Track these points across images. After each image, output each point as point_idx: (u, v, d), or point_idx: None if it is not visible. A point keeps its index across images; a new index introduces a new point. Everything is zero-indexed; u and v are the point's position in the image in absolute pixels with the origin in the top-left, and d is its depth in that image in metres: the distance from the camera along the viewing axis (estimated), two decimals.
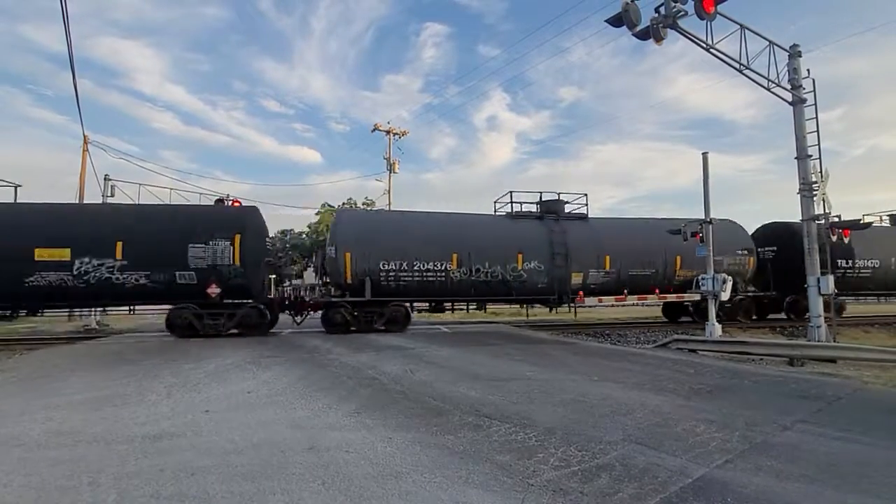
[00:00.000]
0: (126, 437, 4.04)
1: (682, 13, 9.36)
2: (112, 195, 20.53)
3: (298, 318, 14.25)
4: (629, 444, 3.78)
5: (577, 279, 14.68)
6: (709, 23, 9.71)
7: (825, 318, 10.47)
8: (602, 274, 14.91)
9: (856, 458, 3.56)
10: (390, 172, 30.09)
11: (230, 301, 12.50)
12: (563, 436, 4.00)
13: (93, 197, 21.53)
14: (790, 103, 10.95)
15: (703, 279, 11.80)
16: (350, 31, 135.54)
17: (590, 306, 15.28)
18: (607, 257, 14.87)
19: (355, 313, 13.21)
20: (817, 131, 10.81)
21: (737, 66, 10.37)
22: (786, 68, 10.97)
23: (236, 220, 12.74)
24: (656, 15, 9.36)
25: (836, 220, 11.28)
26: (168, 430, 4.24)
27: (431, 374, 6.97)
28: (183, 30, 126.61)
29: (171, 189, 19.72)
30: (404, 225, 14.27)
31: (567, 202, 15.78)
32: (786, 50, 10.98)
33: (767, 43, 10.68)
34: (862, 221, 11.91)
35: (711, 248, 11.96)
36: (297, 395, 5.67)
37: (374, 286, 13.13)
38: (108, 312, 18.05)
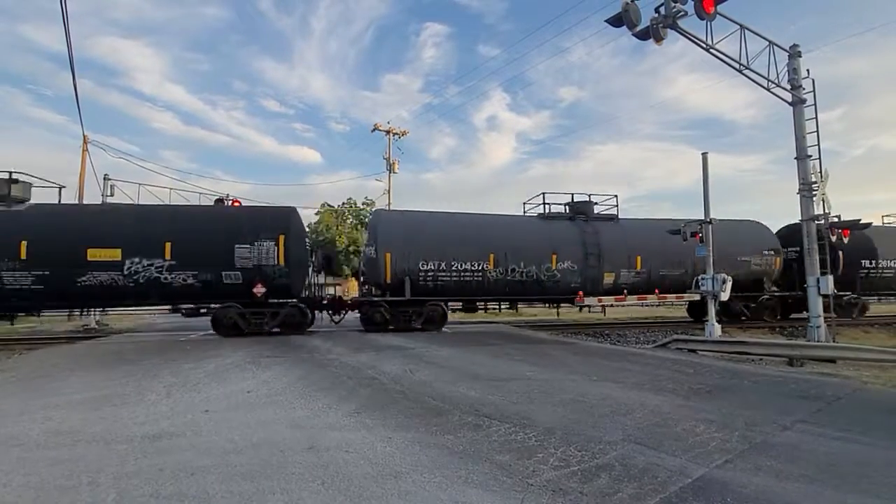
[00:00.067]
0: (125, 437, 4.04)
1: (682, 13, 9.37)
2: (112, 195, 20.54)
3: (337, 318, 14.55)
4: (629, 444, 3.78)
5: (608, 279, 14.98)
6: (709, 23, 9.72)
7: (824, 318, 10.48)
8: (633, 274, 15.19)
9: (855, 458, 3.56)
10: (390, 172, 30.08)
11: (273, 300, 12.72)
12: (562, 436, 4.00)
13: (92, 197, 21.55)
14: (790, 103, 10.96)
15: (702, 279, 11.80)
16: (350, 31, 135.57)
17: (589, 306, 15.35)
18: (638, 258, 15.17)
19: (394, 312, 13.45)
20: (817, 131, 10.83)
21: (737, 66, 10.38)
22: (786, 68, 10.98)
23: (281, 221, 12.98)
24: (656, 15, 9.37)
25: (836, 220, 11.29)
26: (167, 430, 4.24)
27: (431, 373, 6.97)
28: (183, 29, 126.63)
29: (171, 189, 19.72)
30: (442, 225, 14.48)
31: (596, 203, 16.10)
32: (786, 50, 10.99)
33: (767, 43, 10.69)
34: (861, 222, 11.91)
35: (711, 248, 11.95)
36: (296, 394, 5.66)
37: (412, 286, 13.38)
38: (108, 312, 18.06)
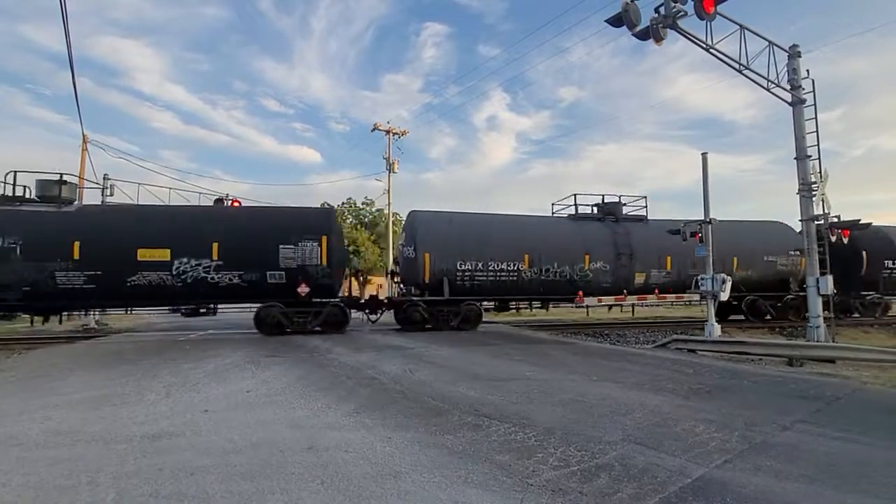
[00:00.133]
0: (125, 437, 4.03)
1: (682, 13, 9.36)
2: (111, 195, 20.51)
3: (373, 317, 14.70)
4: (628, 444, 3.78)
5: (639, 279, 15.29)
6: (708, 23, 9.72)
7: (824, 318, 10.49)
8: (663, 274, 15.48)
9: (855, 458, 3.56)
10: (390, 172, 30.00)
11: (315, 300, 12.90)
12: (562, 436, 4.00)
13: (92, 197, 21.52)
14: (790, 104, 10.96)
15: (702, 279, 11.80)
16: (350, 31, 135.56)
17: (589, 306, 15.43)
18: (668, 258, 15.39)
19: (431, 312, 13.66)
20: (817, 132, 10.82)
21: (736, 66, 10.38)
22: (785, 68, 10.97)
23: (324, 222, 13.28)
24: (656, 15, 9.36)
25: (836, 220, 11.29)
26: (167, 430, 4.23)
27: (431, 373, 6.97)
28: (183, 29, 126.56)
29: (171, 189, 19.69)
30: (478, 226, 14.69)
31: (625, 204, 16.37)
32: (785, 50, 10.99)
33: (767, 43, 10.68)
34: (861, 222, 11.92)
35: (711, 248, 11.95)
36: (296, 394, 5.66)
37: (450, 285, 13.63)
38: (108, 313, 18.03)
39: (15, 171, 12.37)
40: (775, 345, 9.91)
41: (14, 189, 12.26)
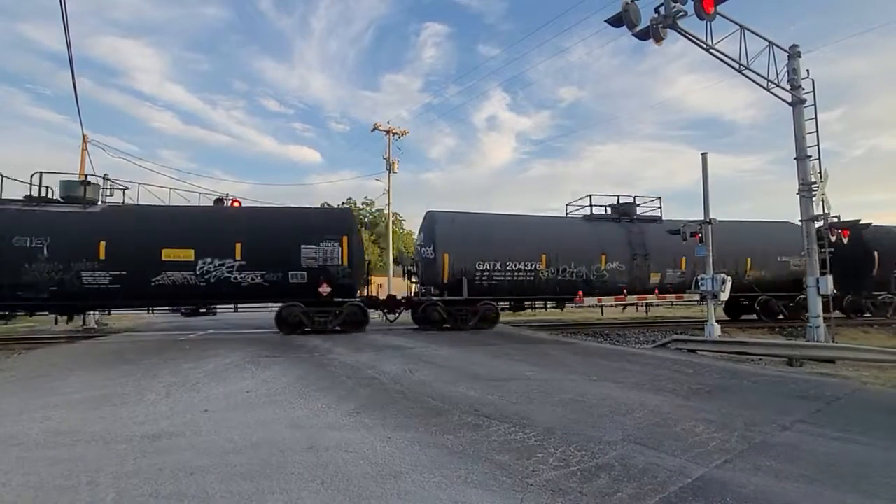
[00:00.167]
0: (125, 437, 4.03)
1: (682, 13, 9.35)
2: (111, 195, 20.48)
3: (391, 316, 14.86)
4: (628, 444, 3.78)
5: (654, 279, 15.46)
6: (708, 23, 9.71)
7: (824, 318, 10.48)
8: (678, 274, 15.63)
9: (855, 458, 3.56)
10: (390, 172, 29.97)
11: (336, 300, 13.03)
12: (562, 436, 4.00)
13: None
14: (790, 104, 10.95)
15: (702, 279, 11.80)
16: (350, 31, 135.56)
17: (589, 306, 15.44)
18: (683, 258, 15.50)
19: (450, 311, 13.80)
20: (817, 132, 10.82)
21: (736, 66, 10.38)
22: (785, 69, 10.97)
23: (344, 222, 13.50)
24: (656, 15, 9.35)
25: (836, 220, 11.29)
26: (167, 430, 4.24)
27: (431, 373, 6.97)
28: (183, 29, 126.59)
29: (171, 189, 19.68)
30: (496, 226, 14.86)
31: (639, 205, 16.52)
32: (785, 50, 10.98)
33: (767, 43, 10.68)
34: (861, 222, 11.92)
35: (711, 248, 11.95)
36: (296, 394, 5.66)
37: (468, 285, 13.75)
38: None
39: (41, 172, 12.50)
40: (775, 345, 9.91)
41: (40, 190, 12.38)
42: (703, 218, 12.13)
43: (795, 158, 10.98)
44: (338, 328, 12.98)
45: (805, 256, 16.05)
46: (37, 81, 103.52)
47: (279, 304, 12.94)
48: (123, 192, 13.70)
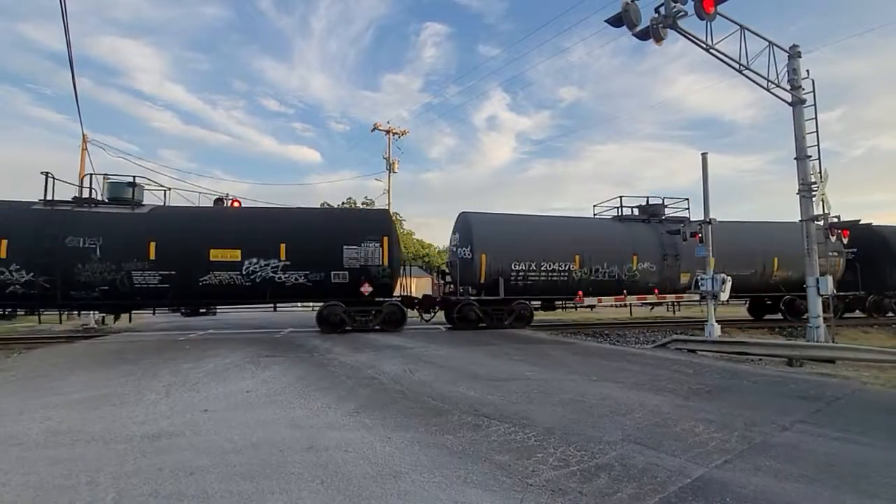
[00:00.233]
0: (124, 437, 4.04)
1: (682, 13, 9.36)
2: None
3: (427, 315, 15.09)
4: (628, 444, 3.78)
5: (685, 279, 15.68)
6: (708, 23, 9.72)
7: (824, 318, 10.49)
8: None
9: (854, 458, 3.57)
10: (390, 172, 29.96)
11: (377, 299, 13.29)
12: (561, 436, 4.00)
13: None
14: (790, 104, 10.95)
15: (702, 279, 11.80)
16: (350, 31, 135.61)
17: (589, 306, 15.46)
18: (712, 259, 15.39)
19: (485, 310, 14.06)
20: (816, 132, 10.82)
21: (736, 66, 10.38)
22: (785, 69, 10.97)
23: (384, 224, 13.80)
24: (656, 15, 9.36)
25: (835, 220, 11.30)
26: (167, 430, 4.24)
27: (430, 373, 6.97)
28: (183, 29, 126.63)
29: (170, 189, 19.66)
30: (531, 227, 15.20)
31: (667, 206, 16.81)
32: (785, 50, 10.98)
33: (767, 43, 10.68)
34: (861, 222, 11.93)
35: (710, 248, 11.95)
36: (295, 394, 5.66)
37: (504, 285, 14.03)
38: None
39: (91, 174, 12.85)
40: (775, 345, 9.91)
41: (90, 191, 12.58)
42: (703, 218, 12.12)
43: (795, 158, 10.98)
44: (377, 327, 13.22)
45: (832, 257, 16.33)
46: (37, 81, 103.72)
47: (319, 304, 13.21)
48: (165, 194, 13.84)
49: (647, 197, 16.74)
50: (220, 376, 6.83)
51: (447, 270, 15.83)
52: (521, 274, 14.22)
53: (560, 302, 15.87)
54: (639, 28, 9.45)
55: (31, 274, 11.19)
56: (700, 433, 4.08)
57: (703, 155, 12.09)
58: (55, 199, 12.05)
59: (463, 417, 4.59)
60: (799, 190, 11.01)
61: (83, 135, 21.55)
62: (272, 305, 13.97)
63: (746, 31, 10.29)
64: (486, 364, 7.88)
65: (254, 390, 5.89)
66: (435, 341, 11.00)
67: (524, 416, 4.59)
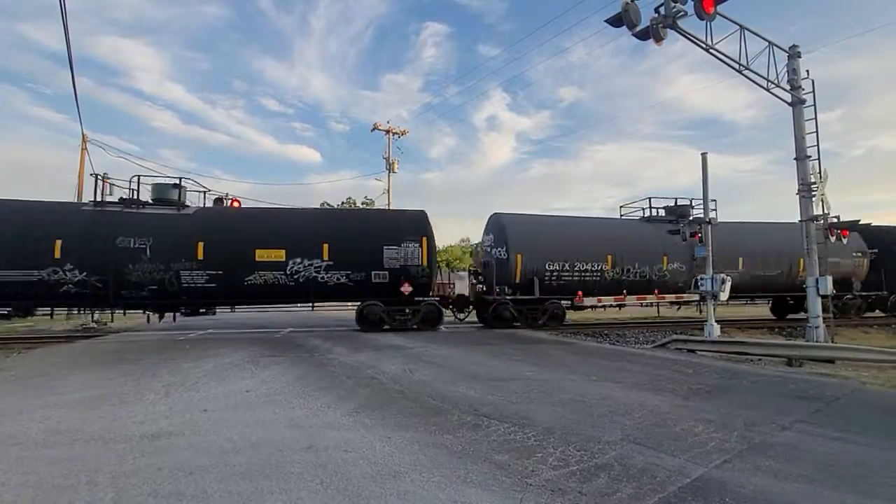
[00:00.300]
0: (124, 436, 4.03)
1: (682, 13, 9.35)
2: (111, 194, 20.46)
3: (461, 315, 15.39)
4: (628, 444, 3.78)
5: None
6: (708, 23, 9.70)
7: (824, 318, 10.49)
8: (736, 275, 15.86)
9: (854, 458, 3.57)
10: (390, 172, 29.95)
11: (415, 298, 13.47)
12: (561, 435, 4.00)
13: (91, 196, 21.48)
14: (789, 104, 10.95)
15: (702, 279, 11.79)
16: (350, 31, 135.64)
17: (590, 306, 15.45)
18: (740, 259, 16.05)
19: (520, 310, 14.26)
20: (816, 132, 10.81)
21: (736, 66, 10.37)
22: (785, 69, 10.96)
23: (423, 224, 13.90)
24: (656, 15, 9.35)
25: (835, 220, 11.29)
26: (166, 430, 4.23)
27: (430, 373, 6.97)
28: (182, 28, 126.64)
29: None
30: (564, 228, 15.46)
31: (694, 206, 16.85)
32: (785, 51, 10.98)
33: (767, 43, 10.67)
34: (861, 222, 11.94)
35: (710, 248, 11.95)
36: (295, 394, 5.66)
37: (539, 284, 14.31)
38: (108, 311, 18.00)
39: (138, 176, 13.04)
40: (775, 345, 9.90)
41: (138, 193, 12.77)
42: (703, 217, 12.11)
43: (795, 159, 10.97)
44: (415, 326, 13.41)
45: (856, 258, 16.44)
46: (37, 80, 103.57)
47: (349, 304, 13.42)
48: (204, 195, 13.92)
49: (676, 198, 16.82)
50: (219, 376, 6.83)
51: (479, 271, 16.03)
52: (555, 274, 14.51)
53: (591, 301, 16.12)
54: (639, 28, 9.44)
55: (84, 273, 11.41)
56: (699, 433, 4.08)
57: (703, 155, 12.10)
58: (104, 200, 12.38)
59: (462, 417, 4.59)
60: (799, 190, 11.01)
61: (83, 134, 21.55)
62: (311, 305, 14.08)
63: (746, 31, 10.28)
64: (486, 364, 7.88)
65: (253, 390, 5.88)
66: (434, 341, 11.00)
67: (524, 416, 4.59)
